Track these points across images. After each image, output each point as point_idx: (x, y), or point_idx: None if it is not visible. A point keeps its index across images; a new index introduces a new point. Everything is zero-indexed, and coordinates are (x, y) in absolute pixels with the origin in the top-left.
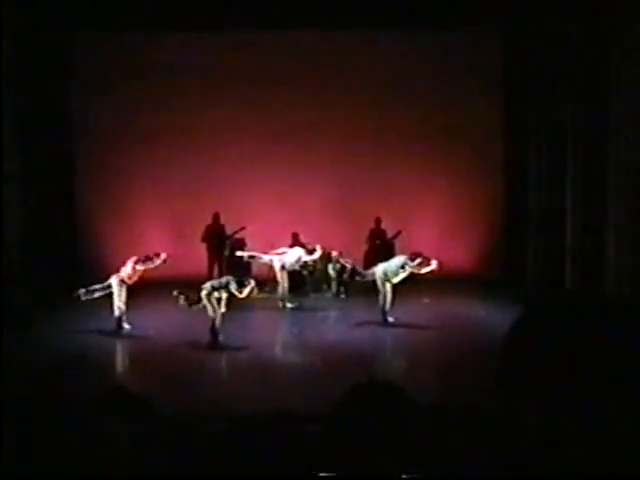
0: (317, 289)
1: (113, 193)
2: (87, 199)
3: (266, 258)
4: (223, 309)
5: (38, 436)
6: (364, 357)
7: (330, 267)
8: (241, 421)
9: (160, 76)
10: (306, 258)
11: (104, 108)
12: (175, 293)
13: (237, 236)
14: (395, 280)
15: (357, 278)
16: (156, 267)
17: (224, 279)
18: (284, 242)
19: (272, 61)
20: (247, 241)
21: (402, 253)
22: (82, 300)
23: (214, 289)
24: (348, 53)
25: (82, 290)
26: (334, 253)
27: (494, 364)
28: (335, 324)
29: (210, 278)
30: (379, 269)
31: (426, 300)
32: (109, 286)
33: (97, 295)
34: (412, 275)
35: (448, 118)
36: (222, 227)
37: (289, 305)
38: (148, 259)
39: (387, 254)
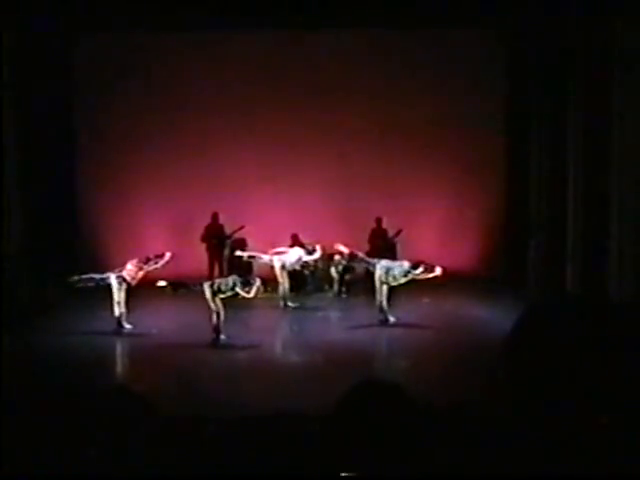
0: (319, 289)
1: (114, 193)
2: (88, 198)
3: (266, 258)
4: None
5: (38, 436)
6: (365, 357)
7: (332, 267)
8: (241, 421)
9: (161, 76)
10: (306, 258)
11: (106, 107)
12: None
13: (237, 235)
14: (394, 284)
15: (356, 264)
16: (162, 267)
17: (230, 280)
18: (284, 242)
19: (272, 61)
20: (248, 241)
21: (404, 252)
22: (76, 287)
23: (220, 290)
24: (348, 53)
25: (76, 277)
26: (336, 256)
27: (495, 364)
28: (336, 324)
29: (211, 278)
30: (381, 267)
31: (426, 300)
32: (104, 279)
33: (90, 285)
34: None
35: (449, 118)
36: (221, 227)
37: (290, 305)
38: (150, 260)
39: (389, 254)
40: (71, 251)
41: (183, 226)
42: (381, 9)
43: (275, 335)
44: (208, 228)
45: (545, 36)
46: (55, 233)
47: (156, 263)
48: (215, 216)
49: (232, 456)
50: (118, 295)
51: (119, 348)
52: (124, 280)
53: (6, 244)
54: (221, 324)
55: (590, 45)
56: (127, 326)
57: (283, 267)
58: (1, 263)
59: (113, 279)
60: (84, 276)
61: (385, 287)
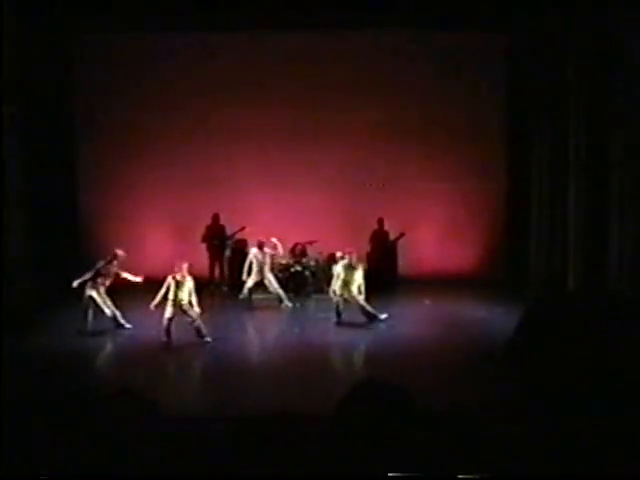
0: (319, 289)
1: (115, 194)
2: (89, 200)
3: (255, 276)
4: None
5: (39, 436)
6: (365, 357)
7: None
8: (241, 421)
9: (160, 78)
10: (268, 250)
11: (106, 109)
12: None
13: (238, 236)
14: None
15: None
16: (120, 265)
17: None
18: (285, 242)
19: (272, 62)
20: (248, 242)
21: (404, 254)
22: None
23: (180, 298)
24: (349, 54)
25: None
26: (338, 254)
27: (496, 364)
28: (336, 324)
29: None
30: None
31: (427, 301)
32: (86, 299)
33: (90, 311)
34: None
35: (450, 119)
36: (222, 228)
37: (290, 304)
38: (109, 262)
39: (389, 255)
40: (72, 252)
41: (184, 227)
42: (382, 10)
43: (275, 336)
44: (209, 229)
45: (545, 36)
46: (56, 234)
47: (112, 264)
48: (216, 217)
49: (232, 456)
50: (101, 299)
51: (118, 348)
52: (98, 284)
53: (7, 245)
54: (198, 326)
55: (590, 45)
56: (127, 325)
57: (261, 267)
58: (2, 263)
59: (89, 290)
60: (84, 324)
61: (355, 290)
